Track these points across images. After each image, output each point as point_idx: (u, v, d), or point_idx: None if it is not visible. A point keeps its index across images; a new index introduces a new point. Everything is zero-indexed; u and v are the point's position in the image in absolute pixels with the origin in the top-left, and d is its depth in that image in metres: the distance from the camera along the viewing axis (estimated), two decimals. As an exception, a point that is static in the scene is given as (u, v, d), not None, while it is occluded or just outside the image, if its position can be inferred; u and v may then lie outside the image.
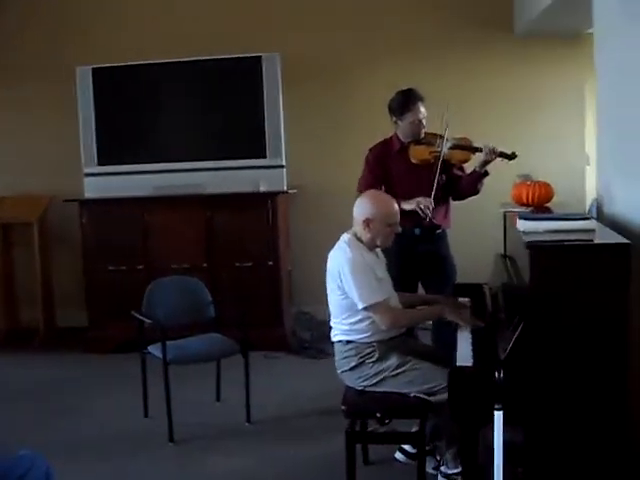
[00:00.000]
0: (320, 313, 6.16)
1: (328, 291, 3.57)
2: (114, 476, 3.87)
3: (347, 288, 3.38)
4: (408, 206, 4.17)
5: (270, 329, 5.67)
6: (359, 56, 6.21)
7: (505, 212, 3.83)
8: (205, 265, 5.75)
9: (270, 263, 5.79)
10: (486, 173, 4.37)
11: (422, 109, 4.38)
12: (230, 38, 6.08)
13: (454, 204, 4.60)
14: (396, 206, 3.50)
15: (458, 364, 2.95)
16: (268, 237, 5.77)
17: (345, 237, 3.50)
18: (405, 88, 4.44)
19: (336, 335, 3.54)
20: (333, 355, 5.37)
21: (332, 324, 3.59)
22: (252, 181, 5.78)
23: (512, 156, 4.31)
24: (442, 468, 3.51)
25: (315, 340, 5.95)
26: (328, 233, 6.27)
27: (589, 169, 6.11)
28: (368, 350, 3.42)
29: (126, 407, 4.75)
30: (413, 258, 4.40)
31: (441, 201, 4.41)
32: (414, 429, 3.69)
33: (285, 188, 5.81)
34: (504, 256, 3.95)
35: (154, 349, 4.36)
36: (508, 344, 2.78)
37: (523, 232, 2.97)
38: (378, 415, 3.33)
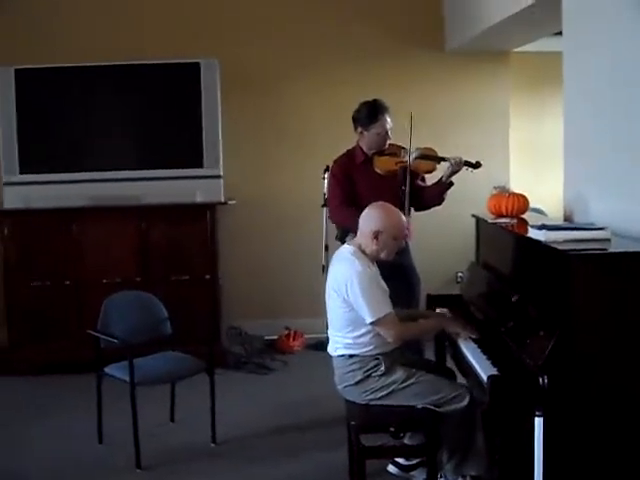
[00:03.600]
0: (250, 327, 6.05)
1: (328, 304, 3.48)
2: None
3: (354, 302, 3.30)
4: None
5: (207, 345, 5.44)
6: (298, 65, 6.15)
7: (490, 222, 3.87)
8: (139, 279, 5.45)
9: (207, 277, 5.58)
10: (451, 183, 4.43)
11: (389, 120, 4.38)
12: (167, 42, 5.84)
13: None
14: (404, 219, 3.48)
15: (487, 374, 2.95)
16: (206, 250, 5.56)
17: (349, 249, 3.42)
18: (370, 99, 4.43)
19: (338, 349, 3.45)
20: (264, 370, 5.45)
21: (331, 337, 3.51)
22: (188, 191, 5.55)
23: (477, 165, 4.40)
24: (441, 480, 3.49)
25: (250, 355, 5.79)
26: (256, 245, 6.26)
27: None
28: (373, 363, 3.35)
29: (72, 433, 4.42)
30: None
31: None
32: (407, 441, 3.70)
33: (222, 199, 5.62)
34: (484, 266, 4.02)
35: (113, 370, 4.09)
36: (541, 352, 2.82)
37: (546, 241, 3.01)
38: (392, 429, 3.27)
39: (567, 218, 3.93)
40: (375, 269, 3.43)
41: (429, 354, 4.20)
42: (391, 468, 3.72)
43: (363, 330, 3.34)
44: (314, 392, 4.94)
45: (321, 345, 5.83)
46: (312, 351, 5.96)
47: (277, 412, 4.71)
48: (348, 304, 3.33)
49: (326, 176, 5.59)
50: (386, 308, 3.31)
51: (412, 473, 3.67)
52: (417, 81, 6.19)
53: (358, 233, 3.45)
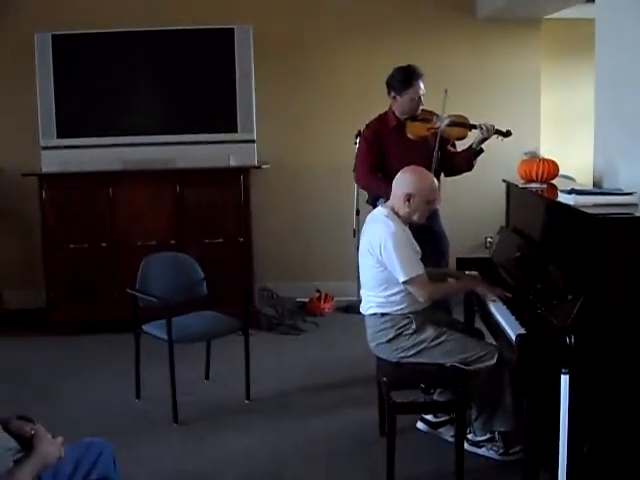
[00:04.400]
0: (282, 289, 6.16)
1: (362, 263, 3.58)
2: (129, 459, 3.66)
3: (388, 261, 3.39)
4: None
5: (240, 306, 5.57)
6: (331, 32, 6.20)
7: (521, 187, 3.93)
8: (173, 242, 5.59)
9: (241, 239, 5.71)
10: (481, 150, 4.48)
11: (422, 85, 4.43)
12: (202, 8, 5.92)
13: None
14: (436, 182, 3.56)
15: (515, 333, 3.04)
16: (239, 213, 5.68)
17: (383, 211, 3.51)
18: (404, 65, 4.47)
19: (370, 308, 3.55)
20: (297, 331, 5.58)
21: (364, 296, 3.61)
22: (222, 156, 5.67)
23: (507, 134, 4.43)
24: (469, 436, 3.60)
25: (281, 317, 5.92)
26: (289, 209, 6.36)
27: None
28: (405, 322, 3.46)
29: (109, 390, 4.60)
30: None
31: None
32: (436, 397, 3.80)
33: (255, 163, 5.72)
34: (514, 230, 4.09)
35: (151, 328, 4.23)
36: (569, 313, 2.90)
37: (575, 205, 3.08)
38: (422, 386, 3.38)
39: (596, 184, 3.97)
40: (408, 231, 3.51)
41: (458, 315, 4.29)
42: (420, 425, 3.84)
43: (396, 289, 3.44)
44: (345, 352, 5.07)
45: (351, 307, 5.98)
46: (342, 313, 6.11)
47: (309, 371, 4.85)
48: (382, 264, 3.42)
49: (358, 141, 5.66)
50: (418, 269, 3.41)
51: (440, 430, 3.79)
52: (448, 47, 6.19)
53: (391, 195, 3.53)
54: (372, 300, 3.53)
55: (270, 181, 6.12)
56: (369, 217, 3.62)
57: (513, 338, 3.00)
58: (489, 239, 6.26)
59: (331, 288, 6.21)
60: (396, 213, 3.49)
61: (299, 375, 4.78)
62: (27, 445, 2.31)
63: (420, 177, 3.48)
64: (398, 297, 3.45)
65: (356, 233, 5.87)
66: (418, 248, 3.53)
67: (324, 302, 6.16)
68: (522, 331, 3.06)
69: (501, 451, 3.54)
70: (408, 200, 3.44)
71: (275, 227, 6.30)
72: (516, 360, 2.91)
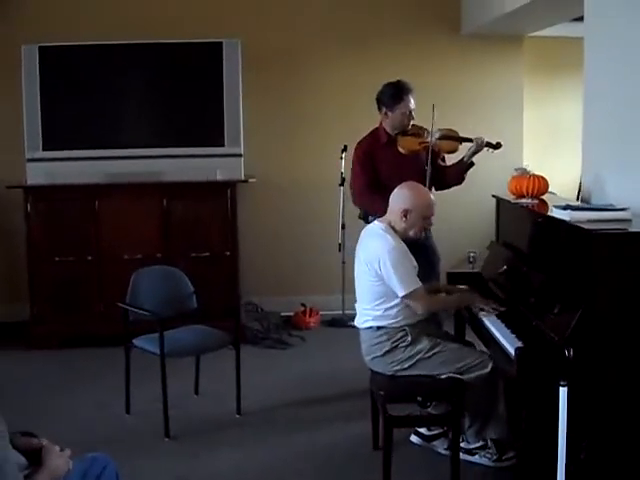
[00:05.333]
0: (266, 303, 6.15)
1: (358, 277, 3.61)
2: (122, 474, 3.63)
3: (386, 275, 3.42)
4: None
5: (226, 320, 5.56)
6: (318, 47, 6.24)
7: (512, 202, 3.98)
8: (159, 256, 5.56)
9: (227, 253, 5.70)
10: (472, 163, 4.54)
11: (412, 100, 4.48)
12: (189, 22, 5.94)
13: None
14: (433, 198, 3.60)
15: (513, 346, 3.07)
16: (226, 227, 5.67)
17: (381, 225, 3.54)
18: (393, 80, 4.51)
19: (366, 321, 3.57)
20: (283, 345, 5.58)
21: (359, 310, 3.63)
22: (209, 169, 5.67)
23: (497, 146, 4.50)
24: (463, 444, 3.60)
25: (267, 331, 5.90)
26: (274, 223, 6.37)
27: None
28: (400, 334, 3.49)
29: (99, 404, 4.54)
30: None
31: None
32: (431, 410, 3.82)
33: (242, 177, 5.73)
34: (504, 244, 4.14)
35: (143, 342, 4.20)
36: (567, 326, 2.95)
37: (570, 221, 3.14)
38: (419, 399, 3.41)
39: (585, 199, 4.04)
40: (405, 245, 3.55)
41: (448, 328, 4.31)
42: (414, 438, 3.86)
43: (393, 303, 3.48)
44: (332, 366, 5.08)
45: (336, 321, 6.01)
46: (327, 327, 6.11)
47: (299, 385, 4.84)
48: (380, 277, 3.45)
49: (344, 156, 5.72)
50: (417, 282, 3.46)
51: (434, 443, 3.81)
52: (433, 64, 6.26)
53: (388, 210, 3.57)
54: (368, 314, 3.56)
55: (257, 195, 6.12)
56: (365, 231, 3.66)
57: (511, 351, 3.04)
58: (472, 254, 6.30)
59: (316, 302, 6.22)
60: (393, 228, 3.52)
61: (288, 389, 4.78)
62: (33, 460, 2.29)
63: (417, 193, 3.53)
64: (394, 310, 3.49)
65: (341, 247, 5.91)
66: (415, 263, 3.57)
67: (309, 316, 6.16)
68: (519, 344, 3.10)
69: (494, 457, 3.59)
70: (405, 216, 3.48)
71: (260, 241, 6.30)
72: (515, 373, 2.95)
